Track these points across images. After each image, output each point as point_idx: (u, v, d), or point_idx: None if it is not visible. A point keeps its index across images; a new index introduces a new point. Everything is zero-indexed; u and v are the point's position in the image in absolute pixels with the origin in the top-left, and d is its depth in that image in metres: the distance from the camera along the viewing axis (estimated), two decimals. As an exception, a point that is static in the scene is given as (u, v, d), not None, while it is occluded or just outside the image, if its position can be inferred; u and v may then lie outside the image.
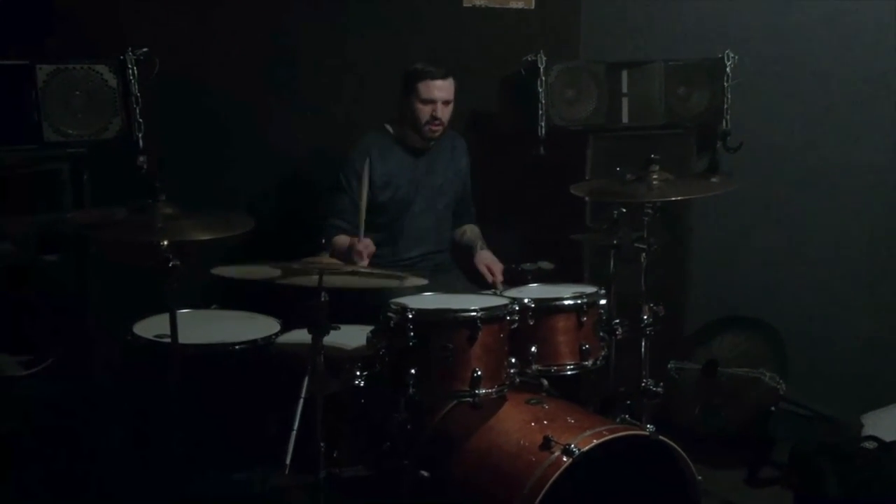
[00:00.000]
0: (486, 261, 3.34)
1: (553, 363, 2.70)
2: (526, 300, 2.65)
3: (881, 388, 3.65)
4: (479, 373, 2.47)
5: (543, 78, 3.59)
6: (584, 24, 3.96)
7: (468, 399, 2.49)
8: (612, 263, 2.91)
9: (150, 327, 2.76)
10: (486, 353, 2.49)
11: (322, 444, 2.42)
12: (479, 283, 3.29)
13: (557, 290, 2.82)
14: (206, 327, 2.82)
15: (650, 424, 2.56)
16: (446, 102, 3.29)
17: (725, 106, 3.75)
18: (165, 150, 3.14)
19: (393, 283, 2.68)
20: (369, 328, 2.62)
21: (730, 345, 3.62)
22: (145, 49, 3.04)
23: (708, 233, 3.94)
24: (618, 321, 2.84)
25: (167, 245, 2.31)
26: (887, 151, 3.86)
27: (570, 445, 2.34)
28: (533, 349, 2.66)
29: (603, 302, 2.78)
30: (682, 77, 3.76)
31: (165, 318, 2.40)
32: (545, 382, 2.76)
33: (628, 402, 2.84)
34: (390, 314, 2.51)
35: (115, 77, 3.02)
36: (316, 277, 2.38)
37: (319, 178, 3.62)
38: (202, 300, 3.04)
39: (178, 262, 2.31)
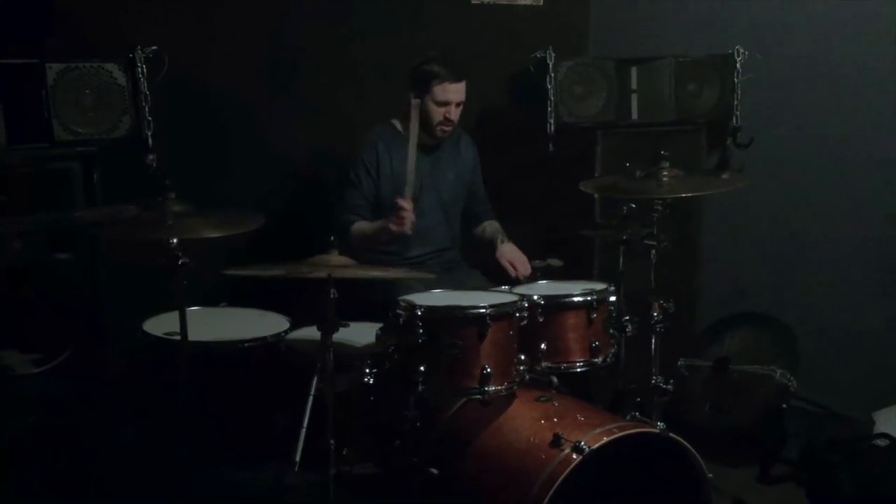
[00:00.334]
0: (508, 255, 3.33)
1: (563, 360, 2.69)
2: (535, 297, 2.65)
3: (893, 386, 3.64)
4: (489, 370, 2.47)
5: (552, 75, 3.58)
6: (593, 20, 3.95)
7: (477, 396, 2.49)
8: (621, 260, 2.91)
9: (160, 325, 2.76)
10: (496, 350, 2.49)
11: (332, 442, 2.42)
12: (502, 280, 3.25)
13: (567, 286, 2.82)
14: (215, 325, 2.83)
15: (660, 422, 2.55)
16: (459, 104, 3.29)
17: (735, 102, 3.74)
18: (173, 148, 3.15)
19: (404, 276, 2.67)
20: (378, 325, 2.62)
21: (740, 342, 3.60)
22: (154, 47, 3.05)
23: (718, 229, 3.93)
24: (628, 318, 2.83)
25: (177, 242, 2.31)
26: (899, 147, 3.84)
27: (580, 443, 2.33)
28: (542, 346, 2.66)
29: (613, 299, 2.78)
30: (691, 73, 3.74)
31: (175, 315, 2.41)
32: (555, 380, 2.75)
33: (638, 399, 2.83)
34: (399, 311, 2.51)
35: (125, 75, 3.03)
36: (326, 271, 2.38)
37: (326, 175, 3.63)
38: (211, 298, 3.04)
39: (187, 260, 2.31)
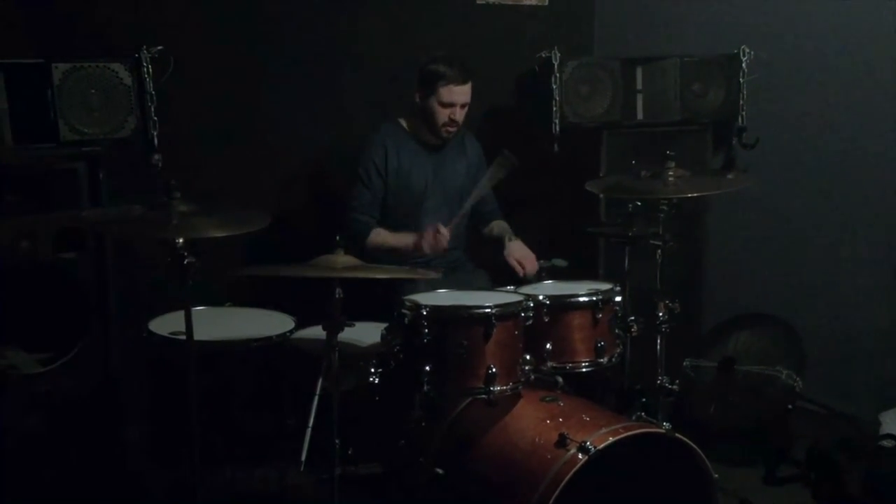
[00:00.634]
0: (516, 254, 3.30)
1: (568, 360, 2.69)
2: (541, 297, 2.65)
3: (899, 386, 3.63)
4: (494, 370, 2.46)
5: (558, 75, 3.58)
6: (598, 20, 3.95)
7: (483, 396, 2.49)
8: (627, 260, 2.90)
9: (166, 325, 2.77)
10: (501, 350, 2.49)
11: (337, 442, 2.42)
12: (507, 280, 3.25)
13: (572, 286, 2.81)
14: (220, 325, 2.83)
15: (666, 422, 2.54)
16: (464, 106, 3.29)
17: (741, 102, 3.74)
18: (179, 148, 3.16)
19: (409, 275, 2.68)
20: (384, 325, 2.62)
21: (746, 342, 3.60)
22: (160, 47, 3.06)
23: (724, 229, 3.92)
24: (633, 318, 2.83)
25: (182, 242, 2.32)
26: (906, 147, 3.83)
27: (585, 443, 2.33)
28: (548, 346, 2.65)
29: (618, 299, 2.77)
30: (697, 73, 3.74)
31: (181, 315, 2.41)
32: (560, 380, 2.75)
33: (644, 399, 2.83)
34: (405, 311, 2.51)
35: (131, 75, 3.03)
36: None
37: (332, 174, 3.63)
38: (217, 298, 3.05)
39: (192, 260, 2.31)
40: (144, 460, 2.99)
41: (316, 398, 2.65)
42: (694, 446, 2.45)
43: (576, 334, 2.69)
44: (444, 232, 3.12)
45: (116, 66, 3.01)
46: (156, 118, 3.06)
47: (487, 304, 2.49)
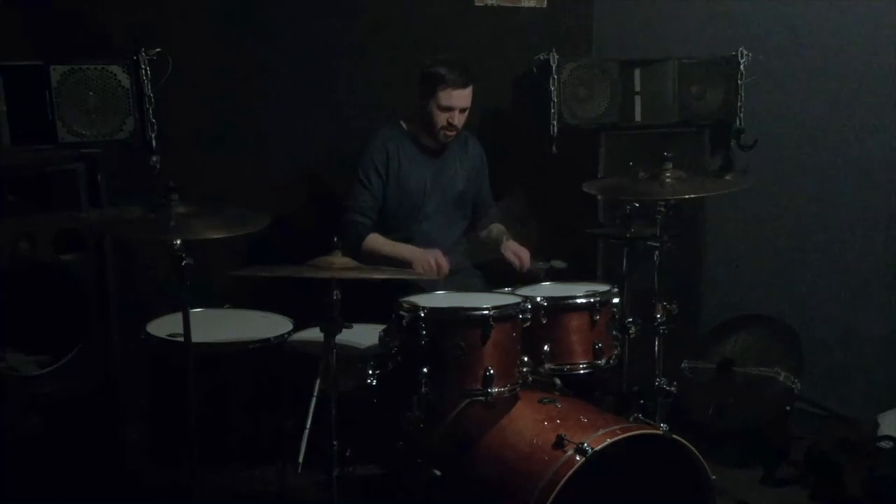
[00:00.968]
0: (513, 248, 3.33)
1: (566, 362, 2.69)
2: (538, 299, 2.65)
3: (898, 388, 3.63)
4: (492, 371, 2.46)
5: (556, 76, 3.58)
6: (596, 22, 3.96)
7: (481, 398, 2.49)
8: (625, 262, 2.91)
9: (164, 326, 2.77)
10: (499, 351, 2.49)
11: (335, 443, 2.42)
12: (505, 281, 3.25)
13: (570, 288, 2.81)
14: (219, 326, 2.83)
15: (664, 423, 2.54)
16: (463, 110, 3.29)
17: (739, 104, 3.74)
18: (177, 150, 3.16)
19: (407, 277, 2.68)
20: (382, 327, 2.62)
21: (744, 343, 3.60)
22: (158, 49, 3.06)
23: (722, 231, 3.93)
24: (631, 320, 2.83)
25: (180, 244, 2.32)
26: (905, 149, 3.83)
27: (583, 444, 2.33)
28: (546, 348, 2.65)
29: (616, 300, 2.77)
30: (695, 75, 3.75)
31: (179, 316, 2.41)
32: (558, 381, 2.75)
33: (642, 401, 2.83)
34: (403, 313, 2.51)
35: (129, 77, 3.03)
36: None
37: (330, 176, 3.63)
38: (215, 299, 3.05)
39: (191, 261, 2.32)
40: (143, 461, 2.99)
41: (314, 400, 2.66)
42: (691, 448, 2.45)
43: (574, 336, 2.69)
44: (444, 264, 3.12)
45: (114, 68, 3.01)
46: (154, 120, 3.07)
47: (485, 306, 2.49)
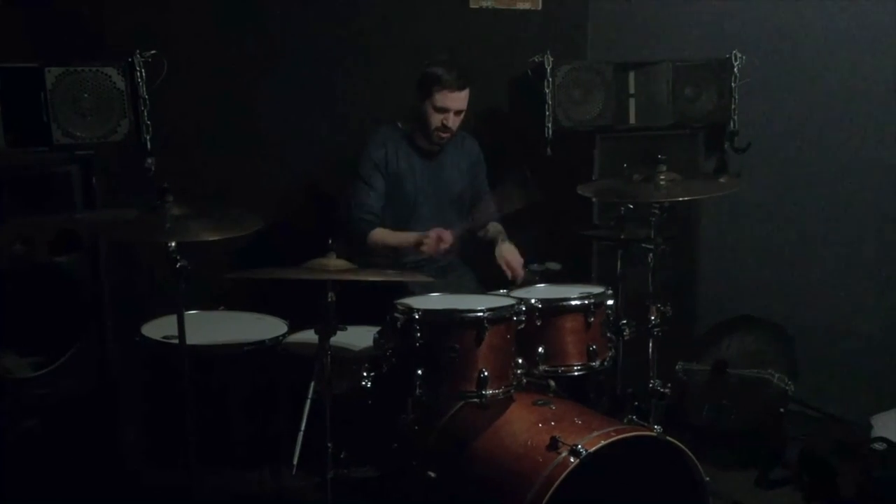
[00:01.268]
0: (506, 255, 3.30)
1: (560, 364, 2.69)
2: (533, 300, 2.65)
3: (890, 390, 3.63)
4: (486, 373, 2.47)
5: (550, 79, 3.59)
6: (591, 24, 3.96)
7: (475, 400, 2.49)
8: (619, 264, 2.91)
9: (159, 328, 2.77)
10: (493, 353, 2.49)
11: (329, 445, 2.42)
12: (498, 280, 3.25)
13: (565, 290, 2.82)
14: (213, 328, 2.83)
15: (658, 425, 2.55)
16: (458, 112, 3.29)
17: (733, 106, 3.75)
18: (172, 152, 3.16)
19: (402, 279, 2.67)
20: (376, 329, 2.62)
21: (738, 345, 3.61)
22: (153, 52, 3.06)
23: (716, 233, 3.93)
24: (625, 322, 2.83)
25: (175, 246, 2.32)
26: (896, 150, 3.85)
27: (577, 446, 2.33)
28: (540, 350, 2.66)
29: (610, 302, 2.78)
30: (689, 77, 3.76)
31: (174, 318, 2.41)
32: (552, 383, 2.75)
33: (636, 402, 2.83)
34: (397, 315, 2.51)
35: (124, 79, 3.03)
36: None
37: (326, 178, 3.63)
38: (210, 301, 3.05)
39: (185, 263, 2.32)
40: (139, 463, 2.99)
41: (308, 402, 2.66)
42: (685, 449, 2.46)
43: (568, 338, 2.69)
44: (448, 238, 3.11)
45: (109, 70, 3.02)
46: (149, 122, 3.07)
47: (480, 308, 2.49)
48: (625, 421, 2.62)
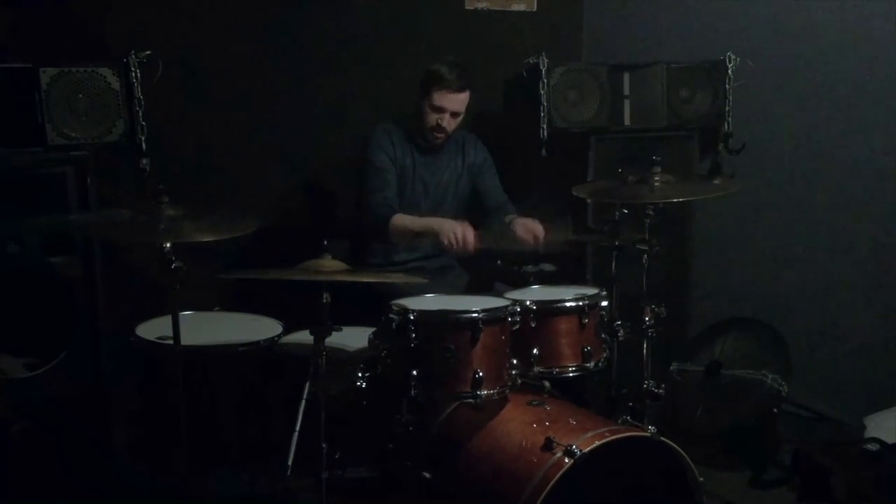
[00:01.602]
0: (527, 223, 3.18)
1: (555, 365, 2.70)
2: (527, 302, 2.66)
3: (884, 391, 3.65)
4: (481, 374, 2.47)
5: (545, 80, 3.59)
6: (586, 26, 3.96)
7: (470, 400, 2.49)
8: (613, 265, 2.92)
9: (153, 329, 2.76)
10: (488, 354, 2.49)
11: (324, 446, 2.42)
12: (496, 276, 3.24)
13: (559, 291, 2.82)
14: (208, 329, 2.83)
15: (652, 426, 2.55)
16: (455, 114, 3.29)
17: (727, 108, 3.76)
18: (167, 152, 3.16)
19: (397, 280, 2.67)
20: (371, 329, 2.62)
21: (732, 346, 3.62)
22: (149, 52, 3.06)
23: (710, 235, 3.94)
24: (620, 323, 2.84)
25: (170, 247, 2.32)
26: (890, 153, 3.86)
27: (571, 446, 2.34)
28: (535, 351, 2.66)
29: (605, 304, 2.78)
30: (684, 79, 3.76)
31: (168, 320, 2.41)
32: (547, 384, 2.76)
33: (630, 403, 2.84)
34: (392, 315, 2.51)
35: (119, 80, 3.03)
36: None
37: (321, 179, 3.63)
38: (205, 302, 3.05)
39: (180, 264, 2.32)
40: (133, 464, 2.99)
41: (303, 402, 2.66)
42: (679, 450, 2.47)
43: (563, 339, 2.70)
44: (471, 239, 3.01)
45: (104, 71, 3.02)
46: (144, 123, 3.06)
47: (474, 309, 2.49)
48: (619, 421, 2.63)
